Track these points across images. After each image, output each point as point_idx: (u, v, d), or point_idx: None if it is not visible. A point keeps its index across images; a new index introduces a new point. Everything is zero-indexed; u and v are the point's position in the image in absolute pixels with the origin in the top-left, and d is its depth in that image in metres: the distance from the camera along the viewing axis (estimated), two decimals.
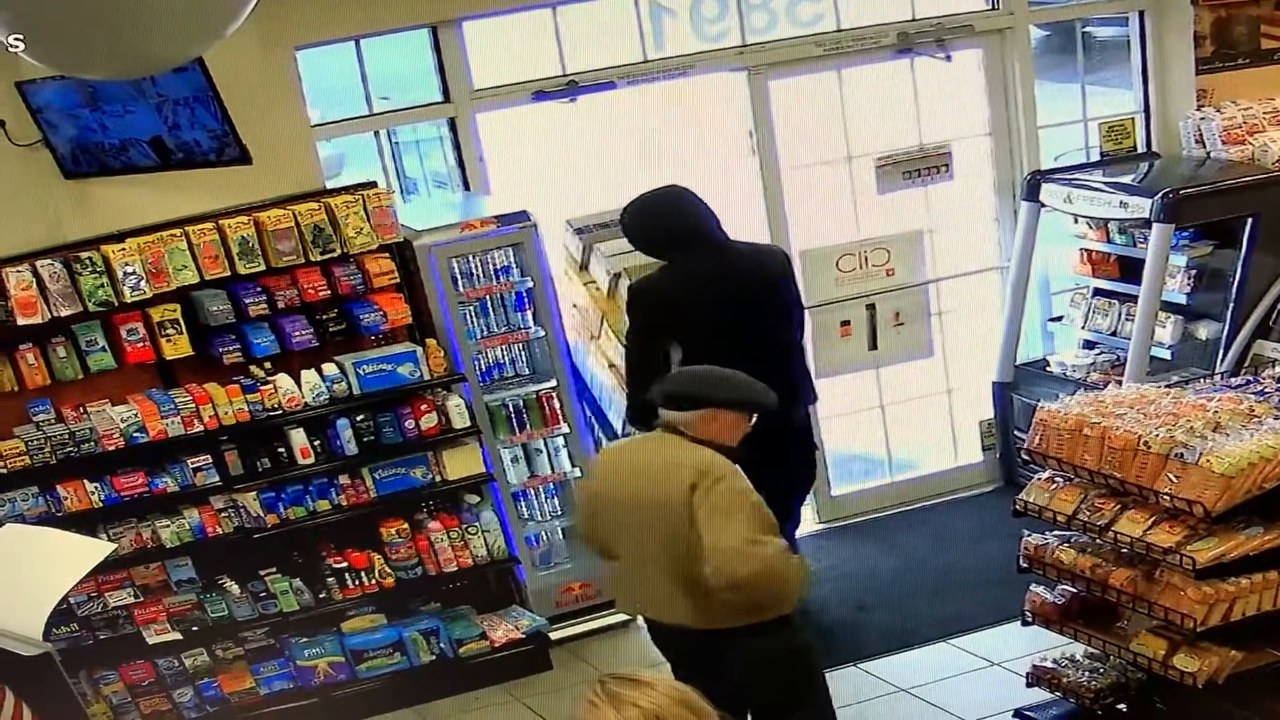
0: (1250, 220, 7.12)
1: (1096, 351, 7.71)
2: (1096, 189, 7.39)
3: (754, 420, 4.78)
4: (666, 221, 6.14)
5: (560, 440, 6.92)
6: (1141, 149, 7.99)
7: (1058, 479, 5.19)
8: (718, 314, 5.98)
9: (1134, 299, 7.26)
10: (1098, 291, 7.78)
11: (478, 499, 6.68)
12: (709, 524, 4.50)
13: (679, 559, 4.60)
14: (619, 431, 6.68)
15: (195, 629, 6.25)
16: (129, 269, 6.06)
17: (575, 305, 7.04)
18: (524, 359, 7.01)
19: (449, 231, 6.60)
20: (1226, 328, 7.18)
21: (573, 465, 6.93)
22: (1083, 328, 7.81)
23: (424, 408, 6.46)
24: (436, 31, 6.90)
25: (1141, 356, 7.14)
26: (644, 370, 5.84)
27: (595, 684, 2.72)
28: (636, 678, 2.73)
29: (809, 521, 7.58)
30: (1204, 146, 7.65)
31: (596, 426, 6.97)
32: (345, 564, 6.44)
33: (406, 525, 6.53)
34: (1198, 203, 7.07)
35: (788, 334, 6.26)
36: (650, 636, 5.06)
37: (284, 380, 6.31)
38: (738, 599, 4.55)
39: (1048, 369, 7.83)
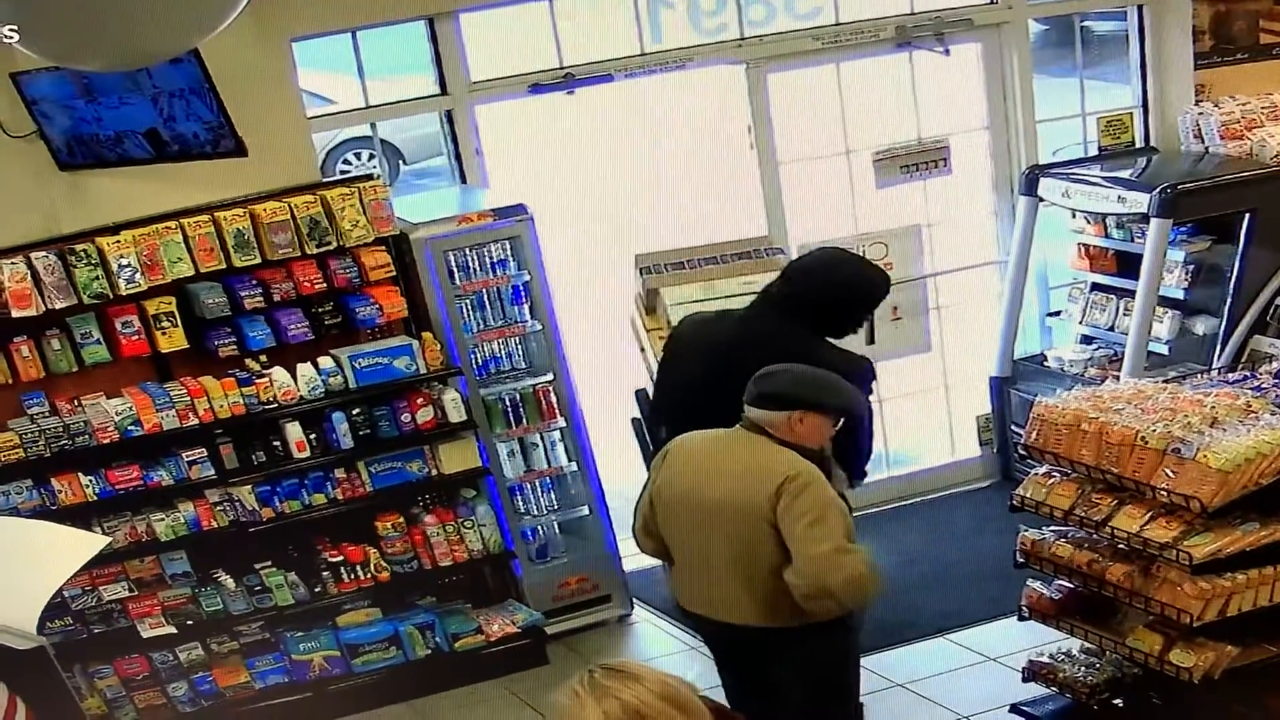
0: (1248, 215, 7.11)
1: (1094, 346, 7.71)
2: (1094, 184, 7.39)
3: (840, 424, 4.69)
4: (863, 299, 5.40)
5: (557, 434, 6.91)
6: (1140, 144, 7.98)
7: (1055, 474, 5.18)
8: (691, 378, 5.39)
9: (1132, 294, 7.26)
10: (1095, 286, 7.77)
11: (474, 493, 6.67)
12: (798, 531, 4.42)
13: (753, 561, 4.53)
14: None
15: (190, 623, 6.24)
16: (124, 261, 6.05)
17: (643, 349, 6.58)
18: (520, 353, 7.00)
19: (445, 225, 6.58)
20: (1224, 323, 7.18)
21: (569, 460, 6.92)
22: (1080, 323, 7.80)
23: (420, 401, 6.45)
24: (433, 23, 6.89)
25: (1139, 351, 7.14)
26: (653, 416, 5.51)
27: (583, 674, 2.69)
28: (625, 669, 2.69)
29: None
30: (1202, 141, 7.65)
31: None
32: (341, 558, 6.43)
33: (402, 519, 6.52)
34: (1196, 198, 7.07)
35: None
36: (699, 632, 4.97)
37: (279, 373, 6.29)
38: (822, 606, 4.51)
39: (1045, 364, 7.82)
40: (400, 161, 12.06)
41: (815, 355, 4.96)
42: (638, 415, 6.41)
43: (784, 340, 5.15)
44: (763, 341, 5.17)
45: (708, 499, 4.62)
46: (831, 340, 5.27)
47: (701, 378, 5.30)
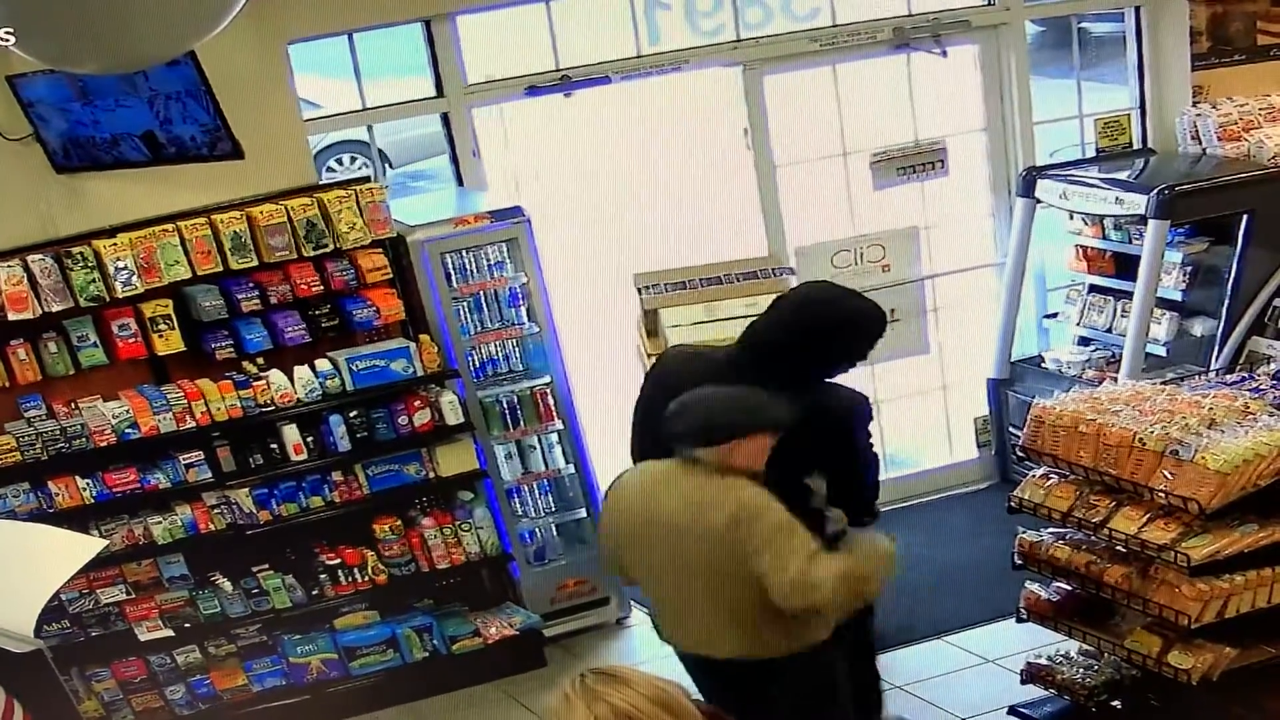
0: (1245, 217, 7.11)
1: (1092, 348, 7.70)
2: (1092, 185, 7.39)
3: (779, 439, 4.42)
4: (848, 343, 4.92)
5: (554, 437, 6.90)
6: (1137, 145, 7.98)
7: (1053, 476, 5.17)
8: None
9: (1129, 295, 7.26)
10: (1093, 288, 7.77)
11: (471, 496, 6.66)
12: (763, 566, 4.28)
13: (723, 594, 4.39)
14: None
15: (187, 626, 6.23)
16: (121, 264, 6.04)
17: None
18: (518, 355, 6.99)
19: (442, 227, 6.58)
20: (1221, 324, 7.18)
21: (566, 462, 6.91)
22: (1078, 324, 7.80)
23: (417, 404, 6.44)
24: (430, 25, 6.88)
25: (1137, 353, 7.14)
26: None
27: (574, 678, 2.69)
28: (616, 674, 2.69)
29: None
30: (1200, 143, 7.65)
31: None
32: (338, 561, 6.42)
33: (399, 522, 6.51)
34: (1193, 199, 7.07)
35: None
36: (684, 666, 4.72)
37: (277, 376, 6.29)
38: (842, 611, 4.42)
39: (1043, 365, 7.82)
40: (387, 165, 12.08)
41: (808, 402, 4.63)
42: None
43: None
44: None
45: (666, 541, 4.42)
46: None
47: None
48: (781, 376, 4.65)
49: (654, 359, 5.87)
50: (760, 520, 4.30)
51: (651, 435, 4.73)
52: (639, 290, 6.20)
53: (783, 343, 4.82)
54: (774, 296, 5.44)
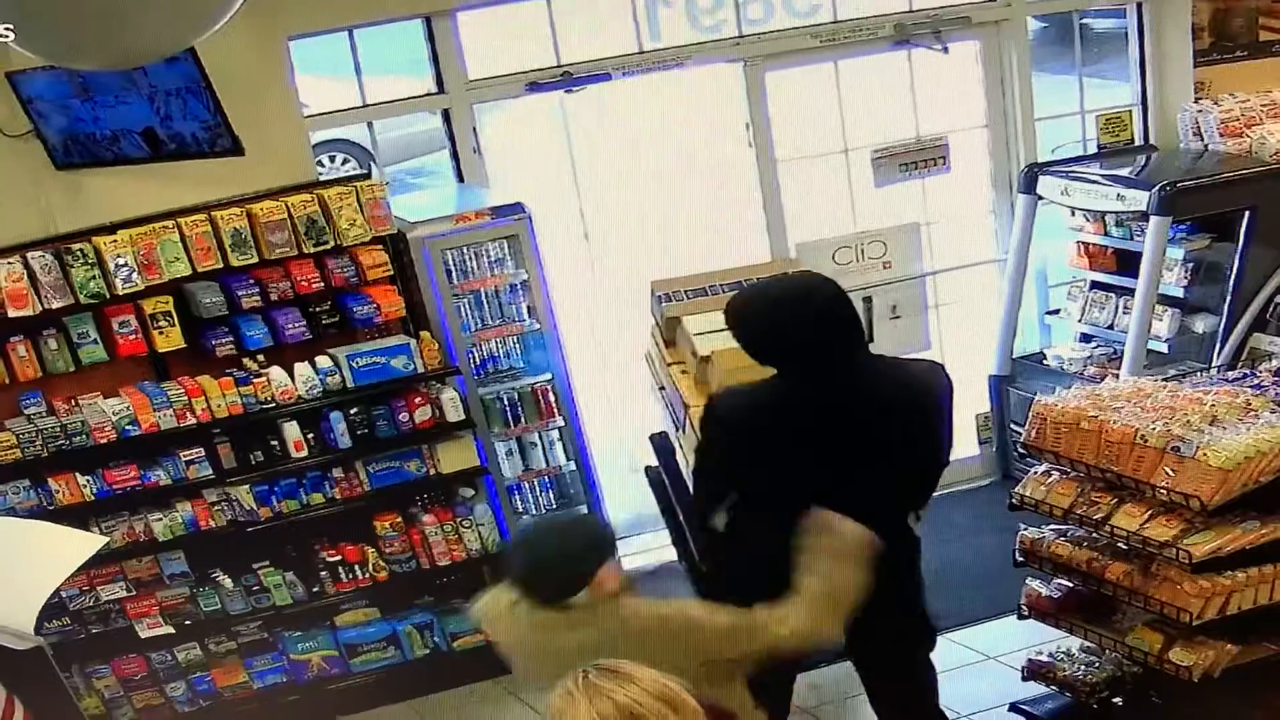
0: (1247, 213, 7.10)
1: (1093, 345, 7.70)
2: (1094, 182, 7.37)
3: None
4: (788, 320, 4.50)
5: (555, 433, 6.90)
6: (1139, 141, 7.97)
7: (1054, 473, 5.17)
8: (829, 461, 4.46)
9: (1131, 292, 7.25)
10: (1095, 284, 7.76)
11: (472, 492, 6.66)
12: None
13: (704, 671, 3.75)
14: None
15: (188, 623, 6.24)
16: (121, 261, 6.03)
17: (662, 389, 6.03)
18: (519, 352, 6.99)
19: (443, 224, 6.57)
20: (1223, 321, 7.18)
21: (567, 459, 6.91)
22: (1080, 321, 7.79)
23: (418, 401, 6.44)
24: (430, 22, 6.87)
25: (1138, 350, 7.13)
26: (706, 491, 4.76)
27: (577, 674, 2.68)
28: (618, 669, 2.68)
29: None
30: (1201, 139, 7.64)
31: (689, 536, 5.87)
32: (339, 557, 6.42)
33: (400, 519, 6.51)
34: (1195, 196, 7.06)
35: (924, 496, 4.81)
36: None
37: (277, 373, 6.28)
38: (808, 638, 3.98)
39: (1045, 362, 7.81)
40: (372, 164, 12.08)
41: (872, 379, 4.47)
42: (654, 464, 6.14)
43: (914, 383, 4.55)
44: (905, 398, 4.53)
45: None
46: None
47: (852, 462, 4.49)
48: (821, 370, 4.44)
49: (674, 368, 5.71)
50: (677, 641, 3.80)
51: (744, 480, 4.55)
52: (659, 299, 5.98)
53: (775, 347, 4.56)
54: None
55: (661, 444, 6.14)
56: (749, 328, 4.61)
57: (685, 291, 5.92)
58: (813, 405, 4.46)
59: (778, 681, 4.76)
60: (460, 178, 7.09)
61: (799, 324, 4.45)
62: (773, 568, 3.97)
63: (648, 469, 6.45)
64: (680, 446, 5.70)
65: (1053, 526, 5.22)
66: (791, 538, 4.02)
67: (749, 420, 4.52)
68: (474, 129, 7.03)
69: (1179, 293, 7.37)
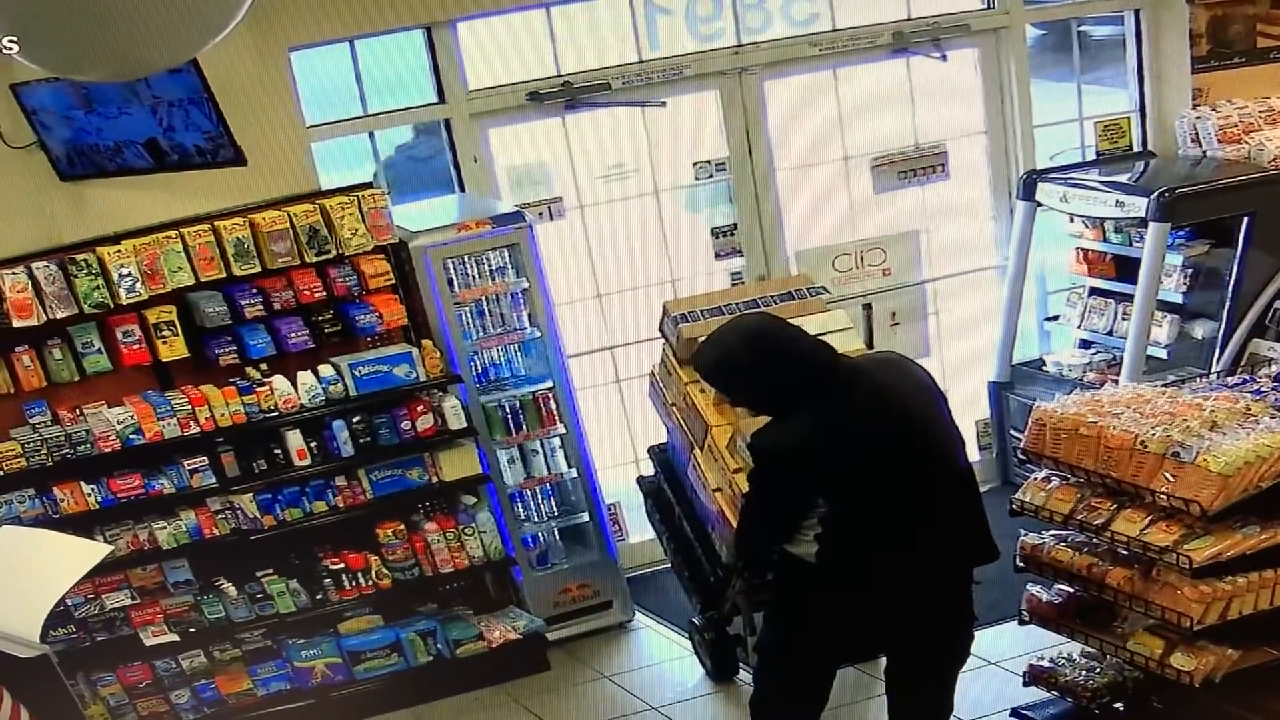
0: (1246, 219, 7.12)
1: (1093, 351, 7.72)
2: (1092, 188, 7.40)
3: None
4: (794, 371, 4.50)
5: (557, 441, 6.91)
6: (1137, 148, 8.00)
7: (1054, 478, 5.19)
8: (901, 452, 4.51)
9: (1130, 298, 7.26)
10: (1094, 291, 7.78)
11: (474, 500, 6.67)
12: None
13: None
14: (723, 559, 5.86)
15: (192, 630, 6.25)
16: (124, 271, 6.06)
17: (674, 405, 6.01)
18: (520, 360, 7.01)
19: (444, 233, 6.59)
20: (1223, 327, 7.19)
21: (569, 466, 6.92)
22: (1079, 327, 7.81)
23: (420, 409, 6.46)
24: (431, 32, 6.90)
25: (1138, 356, 7.15)
26: (775, 528, 4.72)
27: None
28: None
29: None
30: (1200, 145, 7.66)
31: (699, 547, 6.12)
32: (342, 565, 6.44)
33: (403, 526, 6.52)
34: (1193, 202, 7.08)
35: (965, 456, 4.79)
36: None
37: (280, 382, 6.31)
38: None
39: (1044, 368, 7.83)
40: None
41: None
42: (649, 475, 6.27)
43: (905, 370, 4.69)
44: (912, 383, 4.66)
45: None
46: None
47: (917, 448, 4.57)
48: (828, 392, 4.50)
49: (691, 386, 5.68)
50: None
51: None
52: (675, 320, 5.94)
53: (775, 400, 4.57)
54: (811, 318, 5.40)
55: (662, 457, 6.19)
56: (738, 395, 4.76)
57: (702, 311, 5.90)
58: (862, 411, 4.50)
59: (820, 674, 4.85)
60: (460, 187, 7.11)
61: (778, 370, 4.48)
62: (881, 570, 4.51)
63: (640, 479, 6.49)
64: (698, 465, 5.74)
65: (1053, 532, 5.23)
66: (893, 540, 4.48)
67: (816, 447, 4.47)
68: (487, 140, 7.03)
69: (1178, 298, 7.38)
